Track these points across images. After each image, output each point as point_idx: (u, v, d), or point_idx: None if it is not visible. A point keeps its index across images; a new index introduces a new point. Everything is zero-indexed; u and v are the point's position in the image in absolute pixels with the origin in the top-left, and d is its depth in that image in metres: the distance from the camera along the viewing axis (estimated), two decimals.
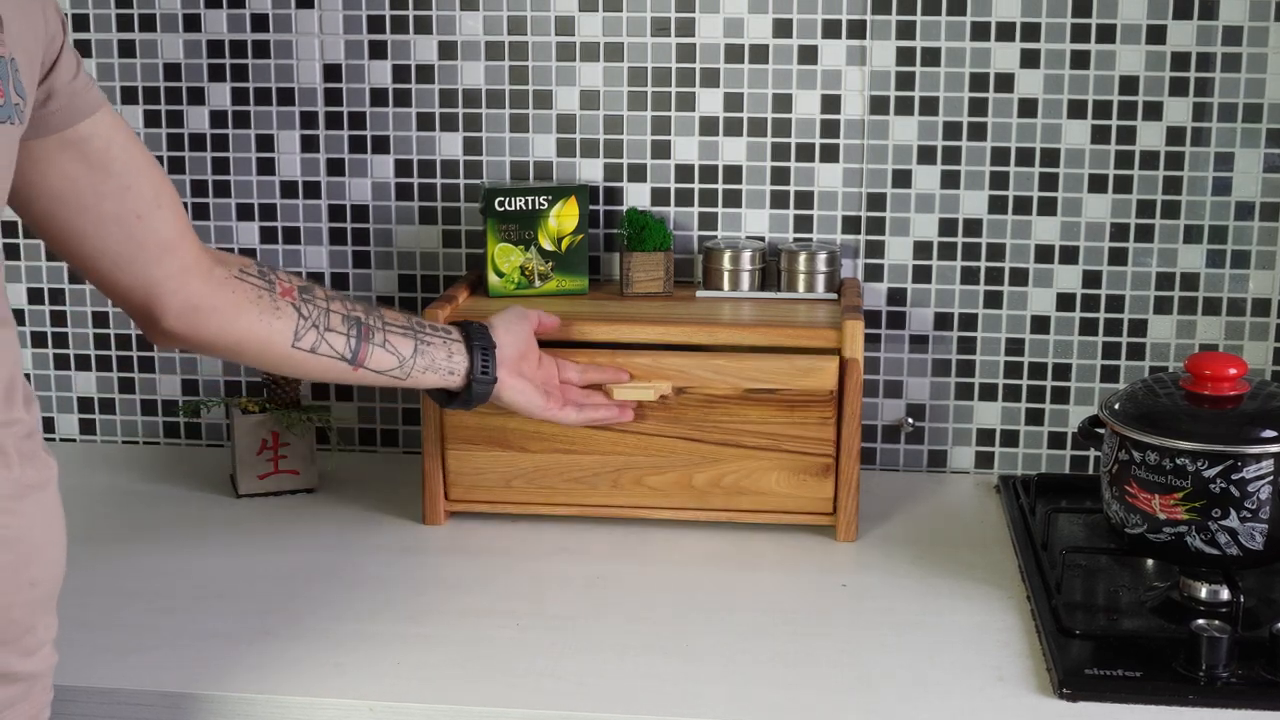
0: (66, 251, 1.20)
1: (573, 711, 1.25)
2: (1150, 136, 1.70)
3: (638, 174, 1.78)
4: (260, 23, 1.78)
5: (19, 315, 1.89)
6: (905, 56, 1.71)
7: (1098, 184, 1.72)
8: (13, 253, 1.87)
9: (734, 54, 1.73)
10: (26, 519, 1.02)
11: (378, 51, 1.78)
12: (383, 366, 1.39)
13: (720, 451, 1.58)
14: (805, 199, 1.76)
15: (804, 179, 1.76)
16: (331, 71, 1.79)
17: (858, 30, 1.71)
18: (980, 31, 1.69)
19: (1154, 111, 1.69)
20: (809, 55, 1.72)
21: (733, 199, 1.77)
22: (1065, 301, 1.75)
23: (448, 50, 1.77)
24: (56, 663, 1.08)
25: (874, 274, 1.77)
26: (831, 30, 1.71)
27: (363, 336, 1.37)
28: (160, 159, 1.82)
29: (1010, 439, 1.80)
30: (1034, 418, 1.78)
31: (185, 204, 1.83)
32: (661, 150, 1.77)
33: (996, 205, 1.73)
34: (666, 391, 1.56)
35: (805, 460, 1.57)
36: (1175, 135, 1.69)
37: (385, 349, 1.39)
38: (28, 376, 1.90)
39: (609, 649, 1.35)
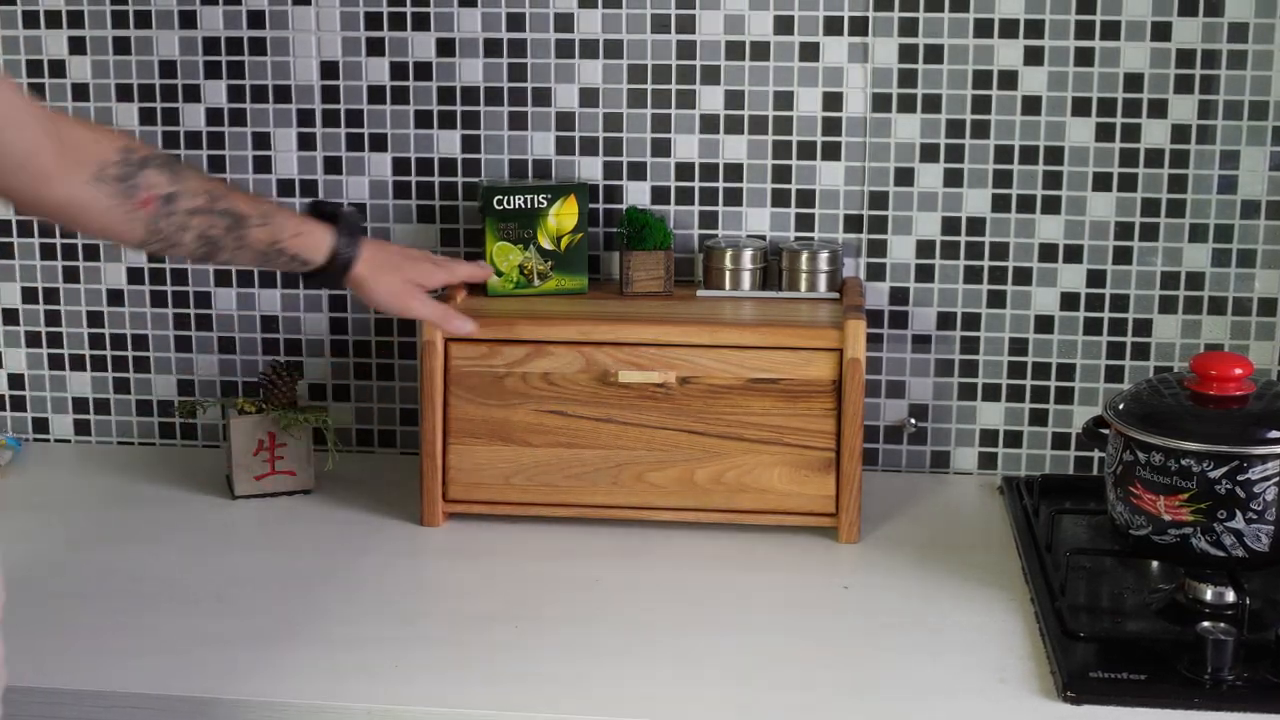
0: None
1: (572, 715, 1.24)
2: (1155, 134, 1.69)
3: (638, 172, 1.77)
4: (257, 19, 1.77)
5: (12, 315, 1.88)
6: (908, 53, 1.70)
7: (1102, 182, 1.70)
8: (7, 252, 1.86)
9: (735, 51, 1.72)
10: None
11: (375, 49, 1.76)
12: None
13: (723, 445, 1.57)
14: (807, 197, 1.75)
15: (805, 177, 1.75)
16: (329, 69, 1.77)
17: (860, 27, 1.70)
18: (983, 28, 1.68)
19: (1159, 109, 1.68)
20: (810, 52, 1.71)
21: (734, 197, 1.76)
22: (1069, 301, 1.74)
23: (446, 47, 1.76)
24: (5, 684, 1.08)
25: (876, 273, 1.76)
26: (833, 27, 1.70)
27: (209, 256, 1.38)
28: None
29: (1014, 439, 1.78)
30: (1038, 418, 1.77)
31: None
32: (662, 148, 1.76)
33: (1000, 204, 1.72)
34: (670, 379, 1.55)
35: (807, 455, 1.56)
36: (1180, 133, 1.68)
37: (228, 264, 1.48)
38: (21, 377, 1.89)
39: (608, 652, 1.34)
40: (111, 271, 1.86)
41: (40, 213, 1.28)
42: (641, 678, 1.30)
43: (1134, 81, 1.68)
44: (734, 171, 1.76)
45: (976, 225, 1.73)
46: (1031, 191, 1.72)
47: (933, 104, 1.71)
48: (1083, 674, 1.27)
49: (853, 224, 1.75)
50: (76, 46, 1.79)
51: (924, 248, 1.75)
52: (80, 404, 1.91)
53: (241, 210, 1.37)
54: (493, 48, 1.75)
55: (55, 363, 1.89)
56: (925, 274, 1.75)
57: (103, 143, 1.28)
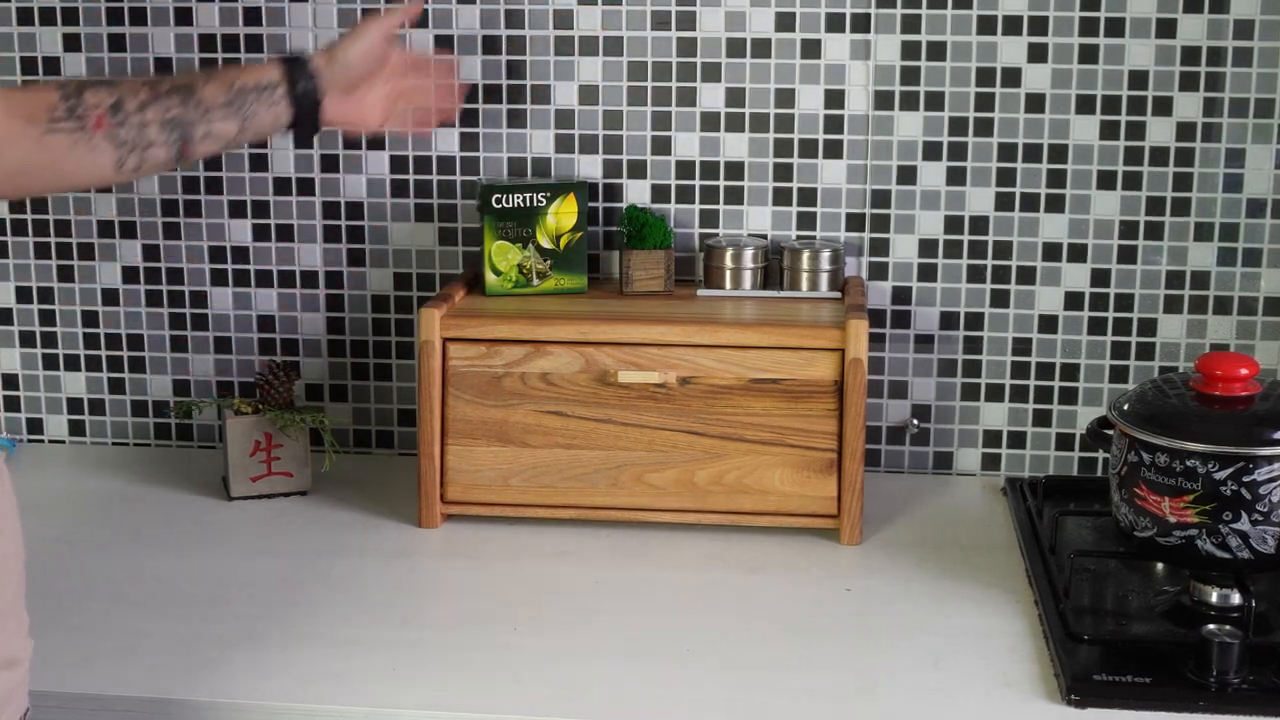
0: None
1: (571, 717, 1.23)
2: (1160, 132, 1.68)
3: (637, 170, 1.76)
4: (253, 16, 1.76)
5: (7, 315, 1.87)
6: (910, 51, 1.68)
7: (1106, 180, 1.69)
8: (1, 251, 1.85)
9: (736, 48, 1.71)
10: None
11: None
12: (210, 152, 1.36)
13: (723, 446, 1.56)
14: (808, 196, 1.74)
15: (807, 175, 1.73)
16: None
17: (862, 24, 1.69)
18: (986, 25, 1.67)
19: (1164, 107, 1.67)
20: (812, 50, 1.70)
21: (734, 196, 1.75)
22: (1073, 300, 1.73)
23: (444, 44, 1.74)
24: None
25: (878, 272, 1.75)
26: (835, 24, 1.69)
27: (185, 138, 1.32)
28: None
29: (1017, 440, 1.77)
30: (1041, 419, 1.76)
31: (176, 201, 1.81)
32: (662, 146, 1.75)
33: (1003, 202, 1.71)
34: (670, 379, 1.55)
35: (809, 456, 1.55)
36: (1185, 131, 1.67)
37: (210, 139, 1.35)
38: (15, 378, 1.89)
39: (608, 654, 1.34)
40: (107, 271, 1.85)
41: (6, 182, 1.23)
42: (641, 680, 1.29)
43: (1138, 79, 1.67)
44: (735, 170, 1.74)
45: (980, 224, 1.72)
46: (1035, 190, 1.70)
47: (935, 101, 1.69)
48: (1087, 677, 1.26)
49: (855, 223, 1.74)
50: (71, 43, 1.78)
51: (927, 247, 1.73)
52: (75, 404, 1.90)
53: (184, 82, 1.33)
54: (491, 45, 1.74)
55: (50, 363, 1.88)
56: (928, 273, 1.74)
57: (40, 92, 1.24)
